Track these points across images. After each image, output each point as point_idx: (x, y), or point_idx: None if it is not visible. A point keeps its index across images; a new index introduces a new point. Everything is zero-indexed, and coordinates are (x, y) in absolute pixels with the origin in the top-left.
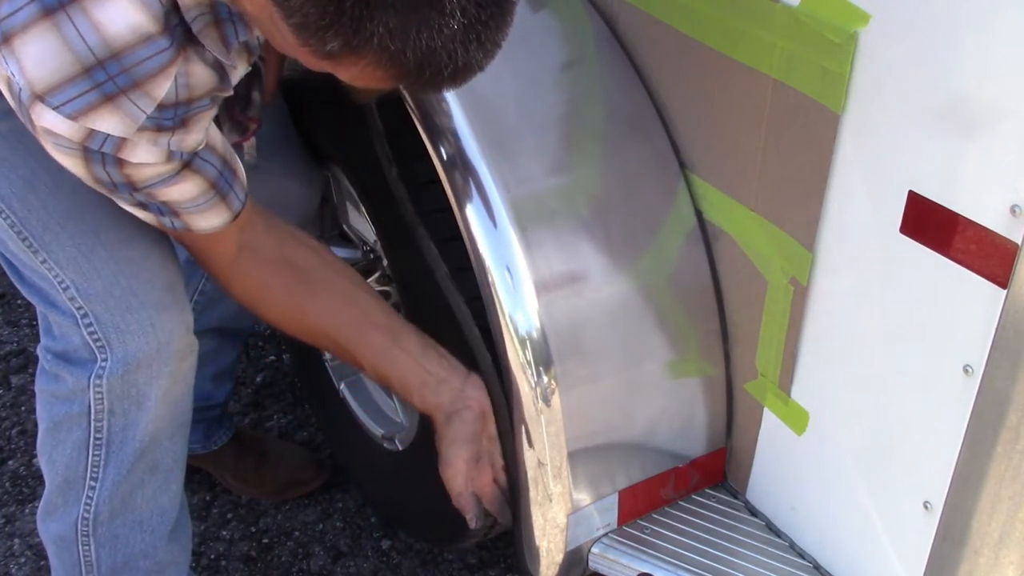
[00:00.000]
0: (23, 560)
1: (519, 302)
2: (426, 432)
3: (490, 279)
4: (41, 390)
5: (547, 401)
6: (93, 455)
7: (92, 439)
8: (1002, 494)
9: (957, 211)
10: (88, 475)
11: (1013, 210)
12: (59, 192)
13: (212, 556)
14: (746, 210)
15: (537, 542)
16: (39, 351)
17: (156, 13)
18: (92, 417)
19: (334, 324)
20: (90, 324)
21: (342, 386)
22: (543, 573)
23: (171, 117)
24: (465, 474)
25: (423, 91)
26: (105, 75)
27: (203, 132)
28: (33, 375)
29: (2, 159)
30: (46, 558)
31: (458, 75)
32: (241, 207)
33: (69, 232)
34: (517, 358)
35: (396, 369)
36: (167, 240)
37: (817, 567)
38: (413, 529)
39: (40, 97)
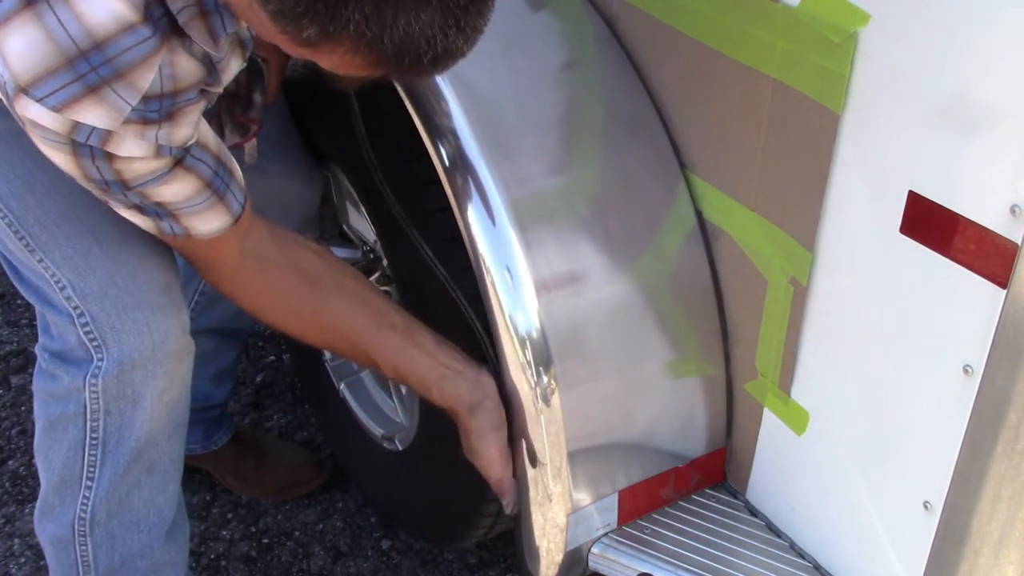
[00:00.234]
0: (23, 560)
1: (519, 302)
2: (426, 432)
3: (490, 279)
4: (38, 389)
5: (547, 401)
6: (89, 455)
7: (88, 439)
8: (1002, 494)
9: (957, 211)
10: (84, 475)
11: (1013, 210)
12: (56, 192)
13: (212, 556)
14: (746, 210)
15: (537, 542)
16: (37, 350)
17: (136, 2)
18: (88, 417)
19: (351, 327)
20: (86, 324)
21: (342, 386)
22: (543, 573)
23: (156, 109)
24: (501, 461)
25: (406, 78)
26: (88, 66)
27: (192, 127)
28: (33, 375)
29: (0, 158)
30: (45, 558)
31: (439, 61)
32: (241, 209)
33: (66, 232)
34: (517, 358)
35: (414, 366)
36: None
37: (817, 567)
38: (413, 529)
39: (24, 89)
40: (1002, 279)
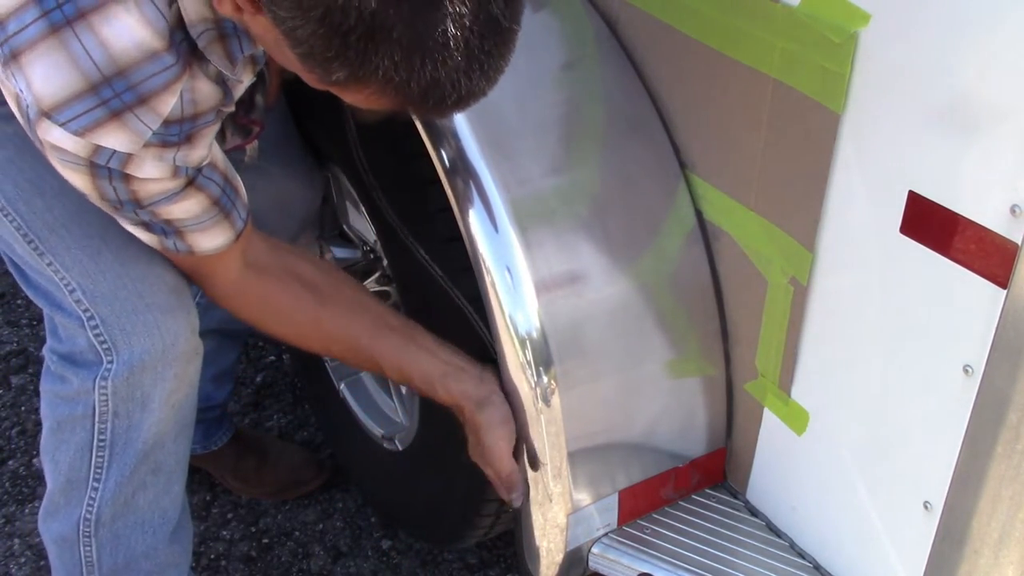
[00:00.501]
0: (23, 560)
1: (519, 302)
2: (426, 432)
3: (490, 279)
4: (46, 390)
5: (547, 401)
6: (96, 456)
7: (96, 440)
8: (1002, 494)
9: (957, 211)
10: (91, 476)
11: (1013, 210)
12: (65, 196)
13: (212, 556)
14: (746, 210)
15: (537, 542)
16: (45, 352)
17: (161, 30)
18: (96, 419)
19: (352, 331)
20: (96, 326)
21: (342, 386)
22: (543, 573)
23: (176, 133)
24: (510, 455)
25: (427, 117)
26: (111, 92)
27: (207, 147)
28: (33, 375)
29: (9, 162)
30: (46, 558)
31: (461, 102)
32: (243, 226)
33: (75, 235)
34: (517, 358)
35: (417, 366)
36: None
37: (817, 567)
38: (413, 529)
39: (47, 114)
40: (1002, 279)
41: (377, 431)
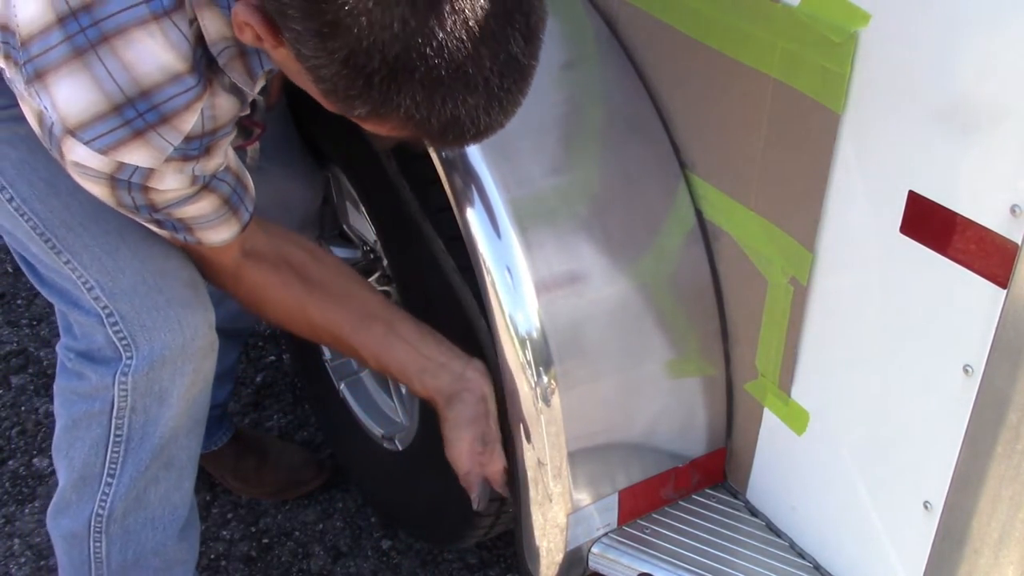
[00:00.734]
0: (23, 560)
1: (519, 302)
2: (426, 432)
3: (490, 279)
4: (61, 387)
5: (547, 401)
6: (112, 452)
7: (112, 436)
8: (1002, 494)
9: (957, 211)
10: (105, 471)
11: (1013, 210)
12: (80, 194)
13: (212, 556)
14: (746, 210)
15: (537, 542)
16: (59, 349)
17: (184, 52)
18: (114, 414)
19: (334, 319)
20: (116, 323)
21: (342, 386)
22: (543, 573)
23: (197, 147)
24: (470, 455)
25: (445, 149)
26: (135, 112)
27: (224, 156)
28: (33, 375)
29: (23, 162)
30: (46, 558)
31: (480, 136)
32: (249, 218)
33: (92, 233)
34: (517, 358)
35: (395, 357)
36: None
37: (817, 567)
38: (413, 529)
39: (72, 132)
40: (1002, 279)
41: (377, 431)
